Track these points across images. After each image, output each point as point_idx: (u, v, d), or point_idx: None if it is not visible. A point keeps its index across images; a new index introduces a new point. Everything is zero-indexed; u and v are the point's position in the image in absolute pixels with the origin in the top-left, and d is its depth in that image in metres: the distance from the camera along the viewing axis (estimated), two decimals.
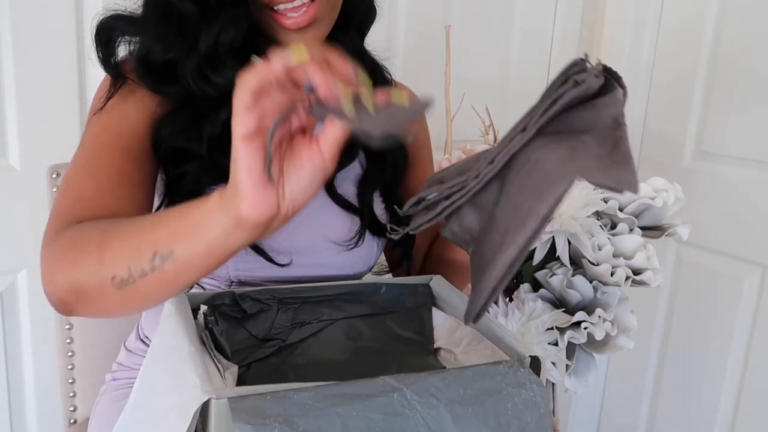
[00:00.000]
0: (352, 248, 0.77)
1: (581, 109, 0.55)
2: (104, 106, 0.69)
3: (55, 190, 0.93)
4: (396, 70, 1.40)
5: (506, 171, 0.58)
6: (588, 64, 0.53)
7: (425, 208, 0.61)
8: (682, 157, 1.43)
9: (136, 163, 0.67)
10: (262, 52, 0.72)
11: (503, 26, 1.50)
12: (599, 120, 0.55)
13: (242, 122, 0.44)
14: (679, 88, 1.43)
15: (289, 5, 0.68)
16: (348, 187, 0.79)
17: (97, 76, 1.12)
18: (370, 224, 0.78)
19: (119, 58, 0.72)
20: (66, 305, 0.57)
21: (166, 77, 0.69)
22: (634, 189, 0.48)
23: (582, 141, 0.54)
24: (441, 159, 1.15)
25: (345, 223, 0.77)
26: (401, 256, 0.86)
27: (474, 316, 0.53)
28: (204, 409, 0.45)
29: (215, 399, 0.45)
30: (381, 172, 0.81)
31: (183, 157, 0.70)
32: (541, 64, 1.58)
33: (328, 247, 0.76)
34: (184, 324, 0.56)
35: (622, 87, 0.54)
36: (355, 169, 0.80)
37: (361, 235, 0.77)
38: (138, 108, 0.70)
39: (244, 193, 0.45)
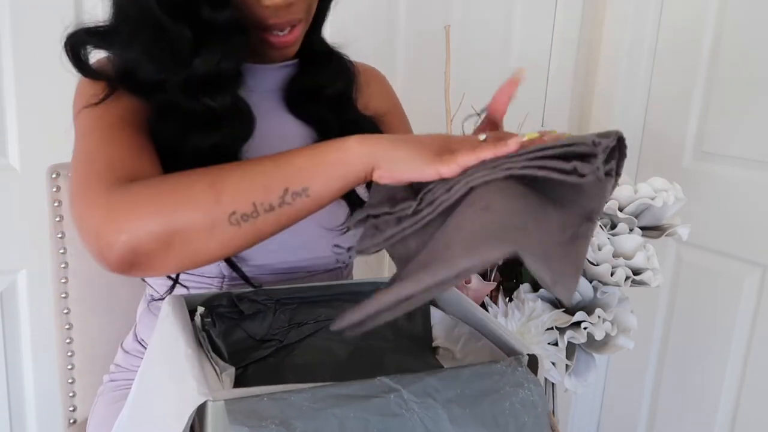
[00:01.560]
0: (345, 232, 0.80)
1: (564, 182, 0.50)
2: (101, 100, 0.68)
3: (55, 190, 0.93)
4: (396, 70, 1.40)
5: (458, 202, 0.54)
6: (599, 155, 0.49)
7: (374, 226, 0.59)
8: (682, 157, 1.43)
9: (144, 137, 0.66)
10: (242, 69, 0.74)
11: (503, 26, 1.50)
12: (576, 201, 0.52)
13: (446, 172, 0.53)
14: (679, 88, 1.43)
15: (279, 30, 0.71)
16: None
17: None
18: (355, 204, 0.80)
19: (94, 62, 0.72)
20: (140, 255, 0.54)
21: (151, 88, 0.69)
22: (568, 295, 0.46)
23: (546, 213, 0.50)
24: None
25: (334, 208, 0.79)
26: None
27: (347, 326, 0.51)
28: (201, 411, 0.45)
29: (212, 401, 0.45)
30: None
31: (170, 155, 0.69)
32: (541, 64, 1.58)
33: (322, 233, 0.78)
34: (182, 326, 0.56)
35: (618, 173, 0.53)
36: None
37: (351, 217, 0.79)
38: (129, 96, 0.70)
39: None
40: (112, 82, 0.70)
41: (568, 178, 0.49)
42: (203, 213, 0.54)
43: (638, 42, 1.48)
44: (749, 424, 1.35)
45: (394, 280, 0.54)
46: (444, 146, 0.54)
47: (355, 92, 0.86)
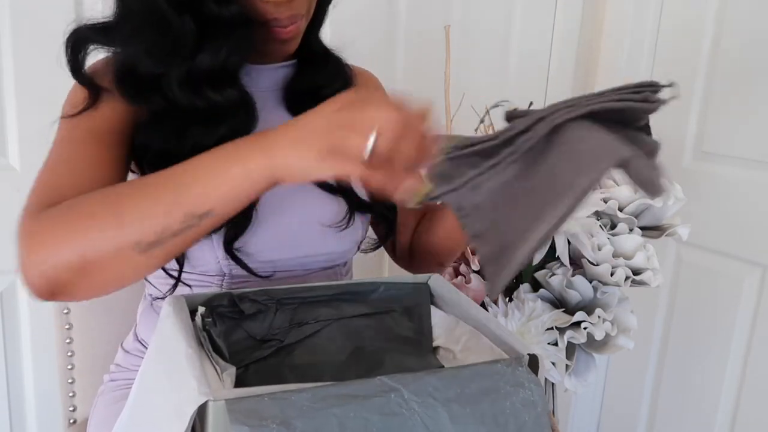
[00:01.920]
0: (344, 229, 0.80)
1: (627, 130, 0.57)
2: (78, 113, 0.70)
3: None
4: (396, 70, 1.40)
5: (541, 145, 0.57)
6: (657, 85, 0.57)
7: (443, 173, 0.60)
8: (682, 157, 1.43)
9: (107, 152, 0.68)
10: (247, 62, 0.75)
11: (503, 26, 1.50)
12: (632, 117, 0.58)
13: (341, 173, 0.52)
14: (678, 87, 1.43)
15: (282, 24, 0.71)
16: None
17: None
18: (356, 204, 0.82)
19: (89, 66, 0.73)
20: (58, 285, 0.56)
21: (147, 87, 0.70)
22: (659, 186, 0.50)
23: (630, 140, 0.54)
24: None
25: (333, 206, 0.80)
26: (386, 230, 0.89)
27: (499, 288, 0.54)
28: (201, 411, 0.45)
29: (212, 401, 0.45)
30: None
31: (163, 158, 0.69)
32: (541, 64, 1.58)
33: (321, 231, 0.79)
34: (182, 325, 0.56)
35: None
36: None
37: (350, 215, 0.80)
38: (113, 107, 0.71)
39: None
40: (97, 91, 0.70)
41: (644, 105, 0.56)
42: (109, 243, 0.54)
43: (638, 42, 1.48)
44: (749, 424, 1.35)
45: (485, 231, 0.59)
46: (334, 139, 0.52)
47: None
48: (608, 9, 1.53)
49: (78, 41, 0.71)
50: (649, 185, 0.50)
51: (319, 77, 0.83)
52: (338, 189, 0.81)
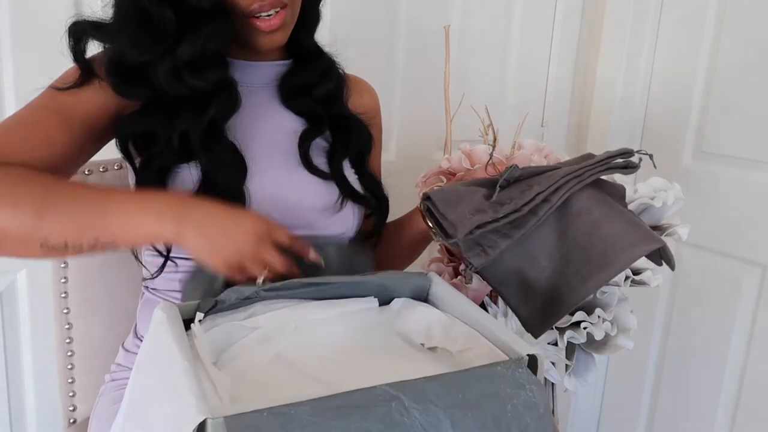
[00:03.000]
0: (337, 212, 0.84)
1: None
2: (65, 88, 0.73)
3: None
4: (396, 70, 1.40)
5: (556, 212, 0.74)
6: (637, 157, 0.77)
7: (477, 243, 0.74)
8: (682, 157, 1.43)
9: (68, 137, 0.72)
10: (230, 54, 0.81)
11: (503, 26, 1.50)
12: (615, 192, 0.78)
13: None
14: (678, 87, 1.43)
15: (265, 13, 0.75)
16: (320, 159, 0.85)
17: None
18: (348, 191, 0.85)
19: (90, 56, 0.76)
20: None
21: (136, 79, 0.74)
22: (671, 257, 0.74)
23: (620, 206, 0.75)
24: (441, 159, 1.15)
25: (325, 191, 0.84)
26: (375, 224, 0.91)
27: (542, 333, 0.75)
28: (200, 428, 0.44)
29: (212, 419, 0.44)
30: (347, 143, 0.88)
31: (150, 141, 0.75)
32: (540, 64, 1.58)
33: (316, 215, 0.82)
34: (176, 336, 0.56)
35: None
36: (324, 144, 0.87)
37: (342, 199, 0.84)
38: (97, 90, 0.75)
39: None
40: (90, 74, 0.75)
41: (625, 172, 0.76)
42: (20, 230, 0.62)
43: (638, 42, 1.48)
44: (749, 423, 1.35)
45: (509, 296, 0.77)
46: (240, 259, 0.66)
47: (346, 93, 0.91)
48: (607, 9, 1.53)
49: (78, 32, 0.74)
50: (672, 262, 0.73)
51: (311, 75, 0.87)
52: (331, 176, 0.84)
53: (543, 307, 0.75)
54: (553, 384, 1.18)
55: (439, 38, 1.24)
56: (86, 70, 0.75)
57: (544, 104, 1.60)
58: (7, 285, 1.14)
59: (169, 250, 0.77)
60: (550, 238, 0.75)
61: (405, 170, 1.10)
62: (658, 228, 1.09)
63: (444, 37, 1.22)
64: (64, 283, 0.95)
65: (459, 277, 1.07)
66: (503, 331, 0.61)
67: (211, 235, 0.64)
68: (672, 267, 0.74)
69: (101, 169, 0.95)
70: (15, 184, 0.63)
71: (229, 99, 0.77)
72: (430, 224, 0.80)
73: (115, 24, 0.74)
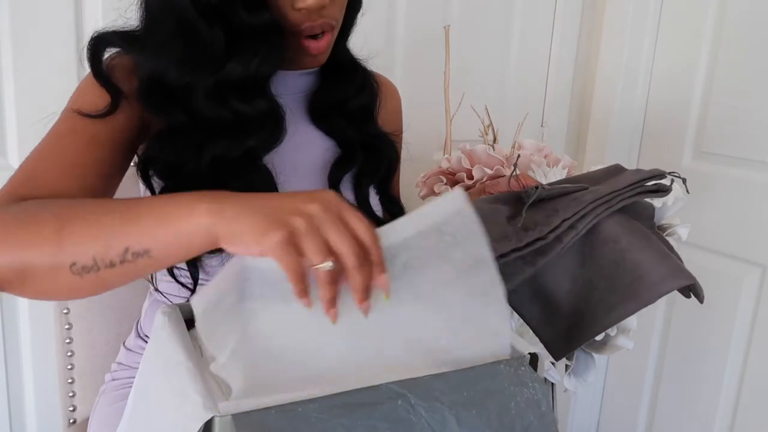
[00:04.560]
0: None
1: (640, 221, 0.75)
2: (97, 116, 0.67)
3: None
4: (396, 70, 1.40)
5: (581, 238, 0.72)
6: (670, 180, 0.75)
7: (501, 271, 0.69)
8: (682, 157, 1.43)
9: (102, 154, 0.67)
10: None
11: (503, 26, 1.50)
12: (643, 212, 0.77)
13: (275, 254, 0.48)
14: (678, 87, 1.43)
15: (314, 33, 0.70)
16: (345, 184, 0.81)
17: None
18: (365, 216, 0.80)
19: (110, 64, 0.71)
20: (2, 283, 0.56)
21: (172, 100, 0.68)
22: (701, 291, 0.71)
23: (650, 233, 0.73)
24: (441, 159, 1.15)
25: None
26: None
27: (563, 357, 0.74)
28: (207, 427, 0.45)
29: (219, 416, 0.44)
30: (376, 167, 0.83)
31: (175, 168, 0.69)
32: (540, 64, 1.58)
33: None
34: (179, 337, 0.55)
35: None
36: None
37: None
38: (125, 113, 0.69)
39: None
40: (118, 96, 0.68)
41: (656, 195, 0.74)
42: (47, 258, 0.54)
43: (638, 42, 1.48)
44: (749, 423, 1.35)
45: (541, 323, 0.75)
46: (291, 231, 0.49)
47: (378, 107, 0.85)
48: (607, 8, 1.53)
49: (98, 44, 0.70)
50: (701, 296, 0.71)
51: (345, 89, 0.81)
52: (357, 206, 0.80)
53: (566, 331, 0.73)
54: (553, 384, 1.18)
55: (439, 38, 1.24)
56: (112, 92, 0.69)
57: (544, 104, 1.60)
58: None
59: (194, 285, 0.73)
60: (574, 262, 0.73)
61: (405, 170, 1.10)
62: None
63: (444, 37, 1.22)
64: None
65: None
66: None
67: (253, 209, 0.50)
68: (701, 300, 0.72)
69: None
70: (36, 212, 0.57)
71: (274, 132, 0.71)
72: None
73: (152, 38, 0.68)
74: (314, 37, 0.70)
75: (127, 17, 0.72)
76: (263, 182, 0.71)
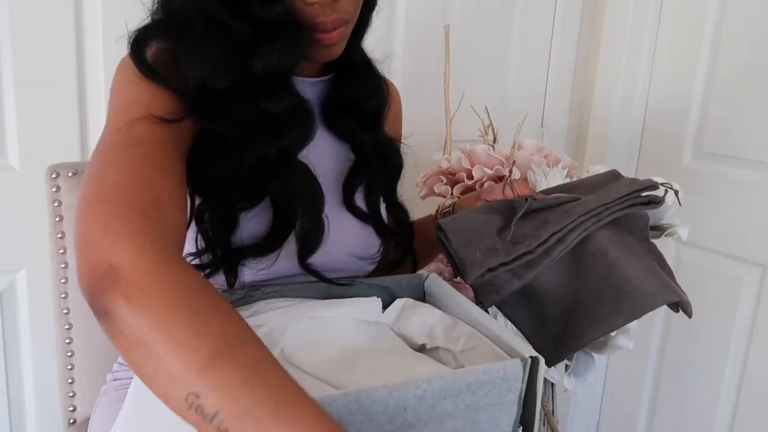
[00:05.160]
0: (376, 260, 0.79)
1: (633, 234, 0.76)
2: (169, 120, 0.62)
3: (54, 190, 0.93)
4: (396, 70, 1.40)
5: (570, 252, 0.72)
6: (664, 191, 0.75)
7: (490, 283, 0.73)
8: (682, 157, 1.43)
9: (179, 161, 0.61)
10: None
11: (503, 26, 1.50)
12: (637, 222, 0.76)
13: None
14: (678, 87, 1.43)
15: (330, 25, 0.68)
16: (357, 195, 0.80)
17: (96, 76, 1.12)
18: (386, 236, 0.80)
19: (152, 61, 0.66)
20: (117, 334, 0.46)
21: (222, 108, 0.65)
22: (689, 307, 0.70)
23: (639, 247, 0.74)
24: (441, 159, 1.15)
25: (363, 235, 0.79)
26: (402, 254, 0.87)
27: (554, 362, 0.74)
28: None
29: None
30: (387, 177, 0.83)
31: (216, 181, 0.67)
32: (540, 64, 1.58)
33: (353, 262, 0.78)
34: None
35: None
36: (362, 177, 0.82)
37: (380, 249, 0.79)
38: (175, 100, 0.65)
39: None
40: (180, 91, 0.64)
41: (648, 207, 0.74)
42: (176, 367, 0.44)
43: (638, 42, 1.48)
44: (749, 423, 1.35)
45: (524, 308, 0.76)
46: None
47: (386, 111, 0.85)
48: (607, 7, 1.53)
49: (139, 43, 0.66)
50: (689, 311, 0.70)
51: (357, 90, 0.80)
52: (371, 218, 0.79)
53: (554, 340, 0.74)
54: (553, 384, 1.18)
55: (439, 38, 1.24)
56: (178, 91, 0.64)
57: (544, 104, 1.60)
58: (7, 285, 1.14)
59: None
60: (564, 272, 0.74)
61: (405, 170, 1.09)
62: (658, 228, 1.09)
63: (444, 37, 1.22)
64: (64, 283, 0.95)
65: (459, 277, 1.07)
66: (504, 332, 0.61)
67: None
68: (689, 315, 0.72)
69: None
70: (203, 312, 0.46)
71: (303, 127, 0.70)
72: (446, 256, 0.78)
73: (186, 43, 0.65)
74: (327, 32, 0.69)
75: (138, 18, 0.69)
76: (303, 179, 0.70)
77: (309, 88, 0.79)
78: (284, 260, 0.72)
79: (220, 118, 0.65)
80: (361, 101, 0.80)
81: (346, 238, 0.77)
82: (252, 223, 0.69)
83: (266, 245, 0.68)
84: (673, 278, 0.73)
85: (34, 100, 1.09)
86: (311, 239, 0.70)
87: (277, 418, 0.42)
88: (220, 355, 0.44)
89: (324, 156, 0.78)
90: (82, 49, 1.11)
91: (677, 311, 0.72)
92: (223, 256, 0.68)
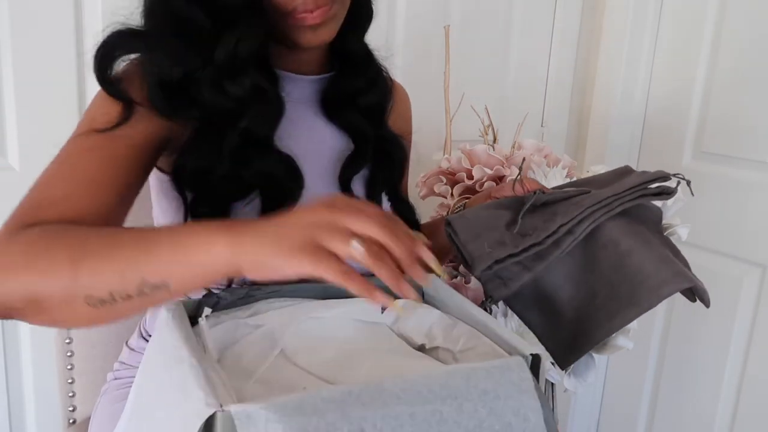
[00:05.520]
0: None
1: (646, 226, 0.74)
2: (107, 130, 0.65)
3: None
4: (396, 70, 1.40)
5: (581, 243, 0.71)
6: (676, 182, 0.73)
7: (497, 276, 0.71)
8: (682, 157, 1.43)
9: (118, 170, 0.65)
10: (272, 55, 0.72)
11: (503, 26, 1.50)
12: (650, 215, 0.76)
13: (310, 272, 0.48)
14: (678, 87, 1.43)
15: (311, 6, 0.68)
16: (357, 188, 0.80)
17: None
18: None
19: (118, 75, 0.69)
20: (11, 311, 0.54)
21: (181, 98, 0.67)
22: (705, 295, 0.72)
23: (651, 237, 0.71)
24: (441, 159, 1.15)
25: None
26: None
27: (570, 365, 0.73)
28: (209, 423, 0.44)
29: (221, 412, 0.44)
30: (389, 173, 0.83)
31: (205, 177, 0.68)
32: (540, 65, 1.58)
33: None
34: (183, 334, 0.55)
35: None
36: (363, 171, 0.81)
37: None
38: (142, 120, 0.67)
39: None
40: (130, 104, 0.66)
41: (659, 198, 0.73)
42: (62, 290, 0.52)
43: (638, 42, 1.48)
44: (749, 423, 1.35)
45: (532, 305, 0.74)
46: (312, 237, 0.49)
47: (390, 107, 0.84)
48: (607, 7, 1.53)
49: (107, 54, 0.67)
50: (707, 299, 0.72)
51: (356, 82, 0.79)
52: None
53: (570, 339, 0.72)
54: (552, 384, 1.18)
55: (439, 38, 1.24)
56: (123, 100, 0.66)
57: (544, 104, 1.60)
58: None
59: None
60: (576, 267, 0.72)
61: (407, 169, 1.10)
62: (668, 237, 1.09)
63: (444, 37, 1.22)
64: None
65: (458, 277, 1.07)
66: (505, 331, 0.61)
67: (269, 233, 0.50)
68: (706, 305, 0.71)
69: None
70: (49, 241, 0.55)
71: (267, 105, 0.69)
72: (454, 251, 0.77)
73: (149, 35, 0.67)
74: (310, 11, 0.68)
75: (128, 16, 0.70)
76: (285, 167, 0.70)
77: (308, 85, 0.79)
78: None
79: (185, 111, 0.67)
80: (360, 93, 0.79)
81: None
82: (242, 215, 0.70)
83: None
84: (688, 267, 0.71)
85: (34, 100, 1.09)
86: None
87: (154, 253, 0.52)
88: (77, 255, 0.53)
89: (325, 146, 0.79)
90: (82, 49, 1.11)
91: (694, 300, 0.71)
92: None
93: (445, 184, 1.09)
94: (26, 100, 1.08)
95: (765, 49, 1.26)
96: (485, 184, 1.04)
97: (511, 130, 1.22)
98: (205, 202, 0.68)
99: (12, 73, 1.07)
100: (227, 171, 0.67)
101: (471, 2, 1.44)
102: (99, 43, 0.67)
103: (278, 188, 0.70)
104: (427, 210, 1.00)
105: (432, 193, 1.11)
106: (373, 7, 0.80)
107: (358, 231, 0.49)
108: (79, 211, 0.60)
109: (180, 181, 0.69)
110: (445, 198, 1.09)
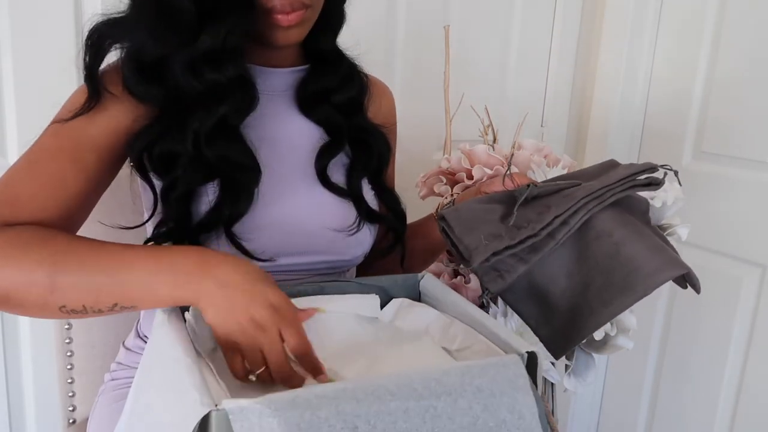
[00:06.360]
0: (353, 233, 0.80)
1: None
2: (71, 118, 0.69)
3: None
4: (396, 70, 1.40)
5: (575, 234, 0.72)
6: (663, 173, 0.75)
7: (494, 268, 0.72)
8: (682, 157, 1.43)
9: (82, 173, 0.68)
10: (249, 59, 0.75)
11: (503, 26, 1.50)
12: (637, 206, 0.77)
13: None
14: (678, 87, 1.43)
15: (287, 8, 0.70)
16: (338, 177, 0.82)
17: None
18: (365, 212, 0.82)
19: (102, 70, 0.71)
20: None
21: (152, 77, 0.70)
22: (697, 282, 0.70)
23: (643, 226, 0.73)
24: (441, 159, 1.15)
25: (341, 211, 0.80)
26: (393, 241, 0.88)
27: (563, 355, 0.73)
28: (204, 422, 0.45)
29: (215, 411, 0.44)
30: (368, 160, 0.84)
31: (170, 162, 0.70)
32: (540, 64, 1.58)
33: (330, 235, 0.79)
34: (178, 335, 0.56)
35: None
36: (342, 159, 0.83)
37: (359, 221, 0.81)
38: (108, 120, 0.70)
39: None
40: (98, 93, 0.70)
41: (648, 189, 0.75)
42: (36, 297, 0.59)
43: (637, 42, 1.48)
44: (748, 423, 1.35)
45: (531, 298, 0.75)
46: (238, 320, 0.58)
47: (367, 101, 0.86)
48: (607, 7, 1.53)
49: (94, 37, 0.70)
50: (698, 286, 0.70)
51: (330, 80, 0.82)
52: (349, 194, 0.81)
53: (564, 328, 0.73)
54: (552, 384, 1.18)
55: (439, 38, 1.24)
56: (95, 89, 0.70)
57: (544, 104, 1.60)
58: None
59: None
60: (569, 258, 0.74)
61: (405, 170, 1.10)
62: (657, 228, 1.09)
63: (444, 37, 1.22)
64: None
65: (458, 277, 1.07)
66: (502, 330, 0.61)
67: (228, 297, 0.58)
68: (697, 291, 0.71)
69: None
70: (26, 249, 0.60)
71: (245, 96, 0.72)
72: (448, 245, 0.78)
73: (131, 16, 0.70)
74: (285, 13, 0.71)
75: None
76: (242, 152, 0.73)
77: (283, 76, 0.81)
78: (283, 258, 0.76)
79: (156, 90, 0.70)
80: (335, 90, 0.82)
81: (323, 213, 0.79)
82: (205, 200, 0.72)
83: (211, 219, 0.71)
84: (677, 255, 0.72)
85: (34, 100, 1.09)
86: (235, 204, 0.72)
87: (123, 274, 0.60)
88: (54, 270, 0.59)
89: (300, 136, 0.81)
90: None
91: (685, 287, 0.72)
92: (179, 231, 0.71)
93: (445, 184, 1.09)
94: (26, 100, 1.08)
95: (765, 49, 1.26)
96: None
97: (511, 130, 1.22)
98: (172, 188, 0.71)
99: (12, 73, 1.07)
100: (193, 155, 0.70)
101: (471, 2, 1.44)
102: (87, 36, 0.70)
103: (238, 175, 0.72)
104: (427, 210, 1.00)
105: (432, 193, 1.11)
106: (345, 11, 0.83)
107: (267, 356, 0.57)
108: (45, 211, 0.65)
109: (145, 167, 0.72)
110: (444, 197, 1.09)
